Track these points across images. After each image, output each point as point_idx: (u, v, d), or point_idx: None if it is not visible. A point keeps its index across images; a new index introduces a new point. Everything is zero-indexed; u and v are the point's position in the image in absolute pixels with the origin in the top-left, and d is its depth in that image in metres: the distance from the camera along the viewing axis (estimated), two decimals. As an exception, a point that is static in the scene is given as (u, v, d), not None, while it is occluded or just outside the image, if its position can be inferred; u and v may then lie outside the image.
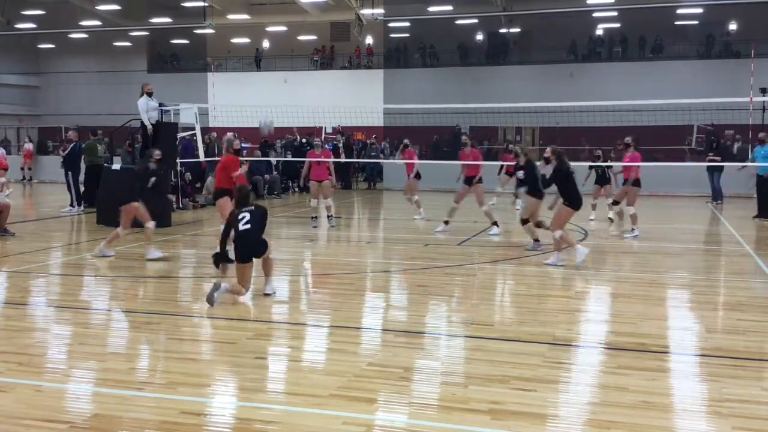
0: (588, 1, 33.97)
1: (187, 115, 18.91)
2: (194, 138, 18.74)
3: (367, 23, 34.36)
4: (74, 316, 7.37)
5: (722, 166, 19.20)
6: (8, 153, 29.46)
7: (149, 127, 14.65)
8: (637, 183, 13.23)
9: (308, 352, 6.13)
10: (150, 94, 14.74)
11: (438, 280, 9.14)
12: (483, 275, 9.77)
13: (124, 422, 4.44)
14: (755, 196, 16.92)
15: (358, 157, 27.32)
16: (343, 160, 24.53)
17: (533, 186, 11.30)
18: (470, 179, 13.20)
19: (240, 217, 7.63)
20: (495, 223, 13.23)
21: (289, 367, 5.69)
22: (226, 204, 9.98)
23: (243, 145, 12.74)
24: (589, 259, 10.20)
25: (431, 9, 35.66)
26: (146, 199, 10.87)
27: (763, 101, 22.48)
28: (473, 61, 39.28)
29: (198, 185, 19.59)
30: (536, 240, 11.49)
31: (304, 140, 25.68)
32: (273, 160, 23.84)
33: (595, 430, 4.37)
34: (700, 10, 34.27)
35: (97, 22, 39.37)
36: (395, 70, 39.58)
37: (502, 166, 18.42)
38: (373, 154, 27.24)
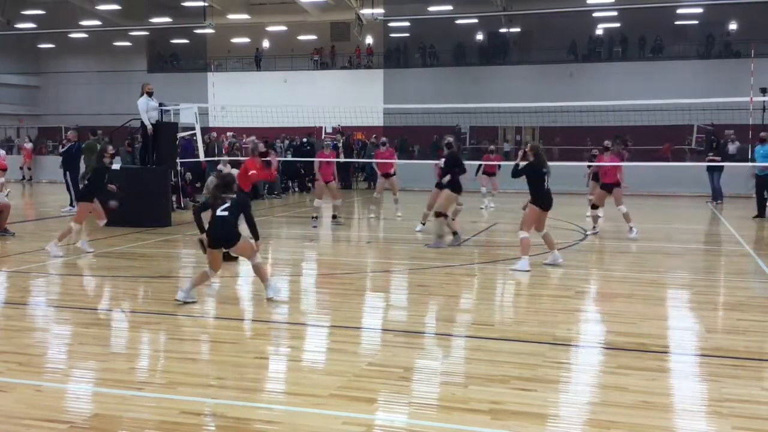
0: (588, 1, 33.96)
1: (187, 115, 18.91)
2: (194, 138, 18.73)
3: (367, 23, 34.36)
4: (74, 316, 7.36)
5: (722, 166, 19.19)
6: (9, 153, 29.56)
7: (149, 127, 14.65)
8: (617, 184, 13.22)
9: (308, 352, 6.13)
10: (150, 94, 14.73)
11: (438, 280, 9.14)
12: (483, 275, 9.77)
13: (124, 422, 4.44)
14: (755, 195, 16.93)
15: (357, 157, 27.31)
16: (342, 159, 24.51)
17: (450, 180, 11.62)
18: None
19: (220, 203, 7.69)
20: (423, 224, 13.50)
21: (289, 367, 5.69)
22: None
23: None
24: (589, 259, 10.20)
25: (431, 9, 35.67)
26: (103, 197, 11.11)
27: (763, 101, 22.48)
28: (473, 61, 39.29)
29: (198, 185, 19.58)
30: (455, 233, 11.75)
31: (304, 140, 25.69)
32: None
33: (595, 430, 4.37)
34: (700, 10, 34.28)
35: (97, 22, 39.37)
36: (395, 70, 39.58)
37: (479, 166, 18.44)
38: (373, 154, 27.21)
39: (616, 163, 13.30)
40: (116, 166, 15.28)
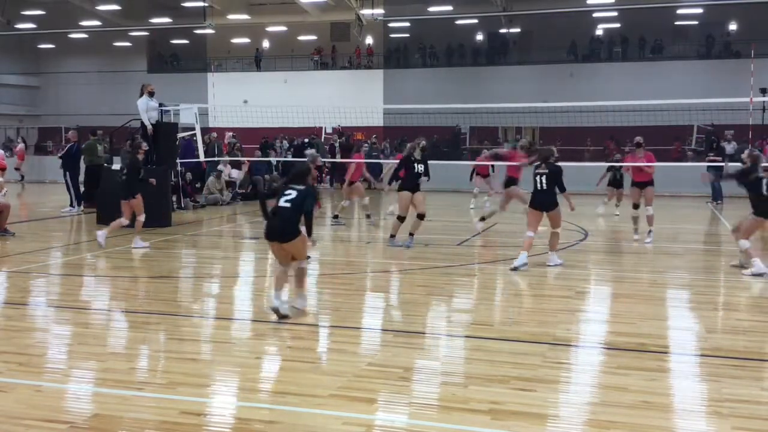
0: (588, 1, 33.95)
1: (187, 115, 18.91)
2: (194, 138, 18.73)
3: (367, 23, 34.36)
4: (74, 316, 7.36)
5: (723, 166, 19.15)
6: (10, 154, 29.55)
7: (149, 126, 14.65)
8: (650, 182, 12.48)
9: (308, 352, 6.13)
10: (152, 95, 14.73)
11: (438, 280, 9.14)
12: (483, 275, 9.77)
13: (124, 422, 4.44)
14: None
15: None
16: (338, 160, 24.58)
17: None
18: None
19: (286, 192, 6.89)
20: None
21: (289, 367, 5.69)
22: None
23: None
24: (589, 259, 10.20)
25: (431, 9, 35.66)
26: (142, 189, 11.60)
27: (763, 101, 22.49)
28: (473, 61, 39.27)
29: (198, 185, 19.59)
30: (411, 234, 11.74)
31: (305, 140, 25.71)
32: (273, 160, 23.83)
33: (595, 430, 4.37)
34: (700, 11, 34.27)
35: (97, 22, 39.36)
36: (395, 70, 39.56)
37: (473, 169, 18.50)
38: (374, 154, 27.23)
39: (652, 163, 12.49)
40: (116, 165, 15.30)
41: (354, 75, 40.26)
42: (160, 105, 15.52)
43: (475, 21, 37.16)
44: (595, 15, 36.12)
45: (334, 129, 29.00)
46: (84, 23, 39.36)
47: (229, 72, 41.54)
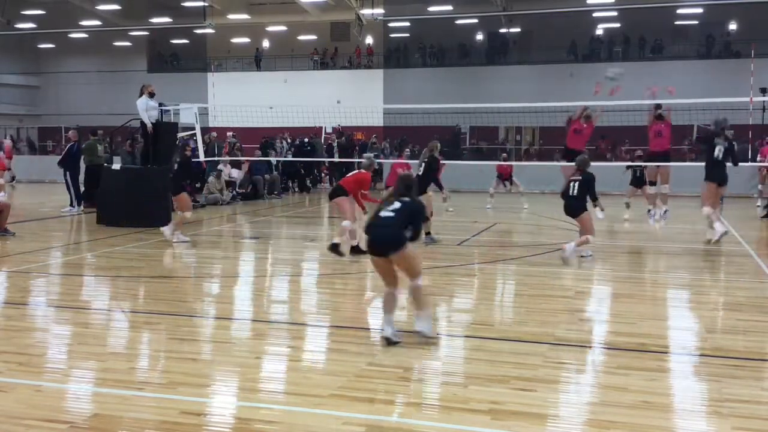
0: (588, 1, 33.94)
1: (187, 114, 18.91)
2: (194, 138, 18.73)
3: (367, 23, 34.33)
4: (74, 316, 7.36)
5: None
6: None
7: (149, 126, 14.65)
8: (667, 156, 12.82)
9: (308, 352, 6.13)
10: (152, 95, 14.74)
11: (438, 280, 9.13)
12: (483, 275, 9.76)
13: (124, 422, 4.44)
14: (755, 196, 16.92)
15: (358, 158, 27.31)
16: (336, 159, 24.58)
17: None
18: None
19: (389, 203, 6.36)
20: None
21: (289, 367, 5.69)
22: (344, 203, 10.72)
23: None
24: (588, 259, 10.21)
25: (431, 9, 35.64)
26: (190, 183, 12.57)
27: (763, 101, 22.44)
28: (473, 61, 39.24)
29: (198, 185, 19.58)
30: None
31: (305, 140, 25.70)
32: (273, 160, 23.83)
33: (595, 430, 4.37)
34: (700, 10, 34.24)
35: (97, 22, 39.34)
36: (395, 70, 39.55)
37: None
38: (375, 154, 27.22)
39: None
40: (116, 165, 15.31)
41: (354, 75, 40.26)
42: (160, 105, 15.52)
43: (475, 21, 37.15)
44: (595, 15, 36.11)
45: (333, 129, 28.97)
46: (84, 23, 39.34)
47: (229, 72, 41.53)
